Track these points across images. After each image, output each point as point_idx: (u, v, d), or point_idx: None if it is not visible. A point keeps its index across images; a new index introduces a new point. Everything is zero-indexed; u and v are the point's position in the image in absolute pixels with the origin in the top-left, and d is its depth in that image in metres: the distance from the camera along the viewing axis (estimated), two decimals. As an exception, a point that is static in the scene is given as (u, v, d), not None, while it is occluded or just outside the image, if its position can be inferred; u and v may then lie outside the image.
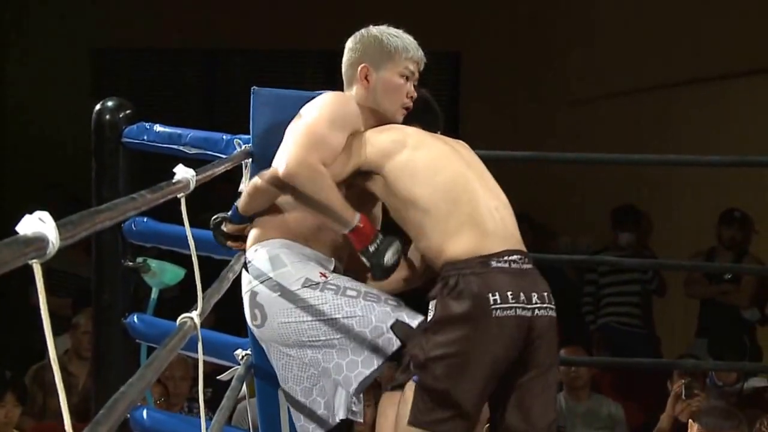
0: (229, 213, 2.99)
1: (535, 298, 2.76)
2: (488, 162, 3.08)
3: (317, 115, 2.84)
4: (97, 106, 3.63)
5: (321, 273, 2.86)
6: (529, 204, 7.99)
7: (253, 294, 2.88)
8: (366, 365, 2.79)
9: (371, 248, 2.76)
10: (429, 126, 3.07)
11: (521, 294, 2.73)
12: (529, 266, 2.81)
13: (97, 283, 3.60)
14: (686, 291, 6.70)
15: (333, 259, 2.97)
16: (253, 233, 2.96)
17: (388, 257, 2.76)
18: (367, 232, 2.76)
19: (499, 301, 2.71)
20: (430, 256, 2.86)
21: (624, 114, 7.90)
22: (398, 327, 2.80)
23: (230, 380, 3.04)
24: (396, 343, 2.79)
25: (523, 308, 2.73)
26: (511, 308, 2.72)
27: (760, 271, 6.43)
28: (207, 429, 2.29)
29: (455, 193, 2.82)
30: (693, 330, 6.67)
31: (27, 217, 1.29)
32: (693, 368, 5.44)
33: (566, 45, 8.41)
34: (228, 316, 3.96)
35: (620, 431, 5.38)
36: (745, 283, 6.41)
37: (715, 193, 6.80)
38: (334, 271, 2.94)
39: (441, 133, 3.11)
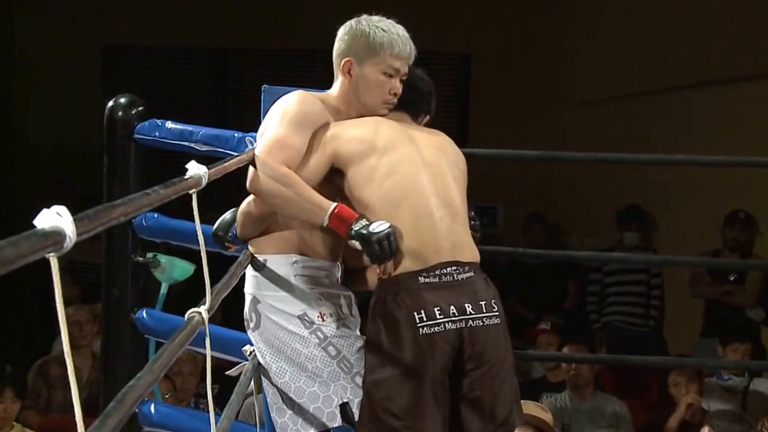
0: (230, 233, 3.02)
1: (469, 309, 2.76)
2: (495, 161, 3.09)
3: (276, 119, 2.86)
4: (110, 103, 3.64)
5: (320, 314, 2.90)
6: (541, 204, 8.02)
7: (255, 300, 2.96)
8: (303, 427, 2.87)
9: (354, 229, 2.73)
10: (415, 109, 3.07)
11: (451, 307, 2.75)
12: (468, 275, 2.80)
13: (107, 278, 3.61)
14: (691, 291, 6.72)
15: (338, 264, 3.01)
16: (258, 241, 2.98)
17: (373, 228, 2.71)
18: (346, 215, 2.75)
19: (425, 319, 2.73)
20: (369, 264, 2.92)
21: (631, 117, 7.91)
22: (347, 409, 2.86)
23: (238, 376, 3.06)
24: (337, 422, 2.85)
25: (453, 321, 2.74)
26: (438, 324, 2.73)
27: (765, 266, 6.43)
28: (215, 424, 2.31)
29: (398, 198, 2.81)
30: (698, 330, 6.68)
31: (44, 211, 1.31)
32: (697, 366, 5.47)
33: (575, 47, 8.42)
34: (235, 313, 3.99)
35: (625, 429, 5.40)
36: (750, 283, 6.42)
37: (720, 195, 6.81)
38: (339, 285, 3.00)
39: (430, 116, 3.12)
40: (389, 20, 3.00)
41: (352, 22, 3.00)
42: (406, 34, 2.99)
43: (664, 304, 7.21)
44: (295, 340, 2.89)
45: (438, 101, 3.22)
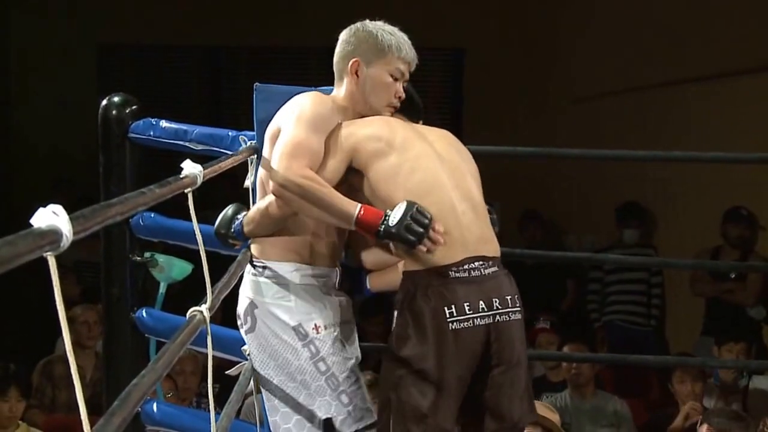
0: (233, 229, 3.01)
1: (496, 304, 2.78)
2: (490, 158, 3.08)
3: (294, 122, 2.86)
4: (104, 102, 3.64)
5: (315, 326, 2.91)
6: (538, 202, 8.02)
7: (253, 304, 2.97)
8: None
9: (381, 227, 2.72)
10: (411, 116, 3.09)
11: (480, 302, 2.75)
12: (493, 269, 2.82)
13: (106, 278, 3.62)
14: (692, 289, 6.71)
15: (336, 269, 3.02)
16: (260, 244, 2.99)
17: (393, 220, 2.70)
18: (371, 220, 2.74)
19: (455, 314, 2.74)
20: (396, 259, 2.92)
21: (629, 112, 7.91)
22: (328, 425, 2.89)
23: (238, 375, 3.06)
24: None
25: (482, 316, 2.75)
26: (468, 319, 2.74)
27: (765, 268, 6.44)
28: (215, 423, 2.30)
29: (423, 194, 2.81)
30: (698, 328, 6.68)
31: (41, 210, 1.31)
32: (698, 365, 5.46)
33: (571, 42, 8.42)
34: (235, 312, 3.98)
35: (626, 428, 5.40)
36: (751, 282, 6.42)
37: (720, 191, 6.82)
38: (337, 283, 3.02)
39: (422, 123, 3.13)
40: (393, 27, 3.03)
41: (357, 25, 3.03)
42: (409, 41, 3.02)
43: (665, 302, 7.22)
44: (287, 350, 2.91)
45: (431, 98, 3.24)
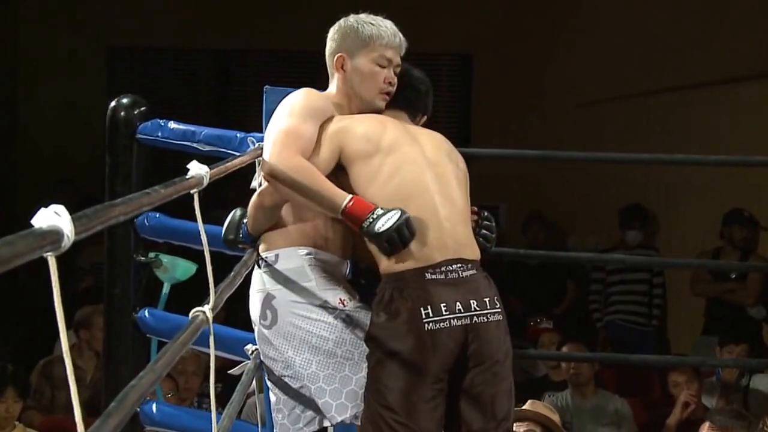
0: (241, 233, 3.02)
1: (474, 305, 2.79)
2: (497, 161, 3.09)
3: (285, 112, 2.88)
4: (112, 103, 3.65)
5: (340, 299, 2.90)
6: (542, 204, 8.04)
7: (269, 296, 2.93)
8: (336, 415, 2.86)
9: (365, 224, 2.73)
10: (412, 109, 3.09)
11: (457, 303, 2.77)
12: (472, 272, 2.83)
13: (109, 278, 3.61)
14: (692, 289, 6.74)
15: (347, 261, 3.02)
16: (269, 236, 2.98)
17: (381, 226, 2.71)
18: (360, 208, 2.75)
19: (431, 315, 2.75)
20: (374, 260, 2.90)
21: (632, 117, 7.93)
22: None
23: (240, 375, 3.06)
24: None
25: (458, 318, 2.76)
26: (444, 320, 2.75)
27: (765, 269, 6.47)
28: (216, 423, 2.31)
29: (403, 198, 2.82)
30: (699, 328, 6.70)
31: (42, 210, 1.31)
32: (698, 365, 5.47)
33: (575, 48, 8.43)
34: (238, 311, 3.98)
35: (627, 427, 5.41)
36: (751, 281, 6.45)
37: (719, 194, 6.84)
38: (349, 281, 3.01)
39: (428, 116, 3.13)
40: (377, 16, 3.04)
41: (340, 21, 3.05)
42: (395, 27, 3.03)
43: (666, 302, 7.23)
44: (320, 328, 2.87)
45: (440, 102, 3.24)
